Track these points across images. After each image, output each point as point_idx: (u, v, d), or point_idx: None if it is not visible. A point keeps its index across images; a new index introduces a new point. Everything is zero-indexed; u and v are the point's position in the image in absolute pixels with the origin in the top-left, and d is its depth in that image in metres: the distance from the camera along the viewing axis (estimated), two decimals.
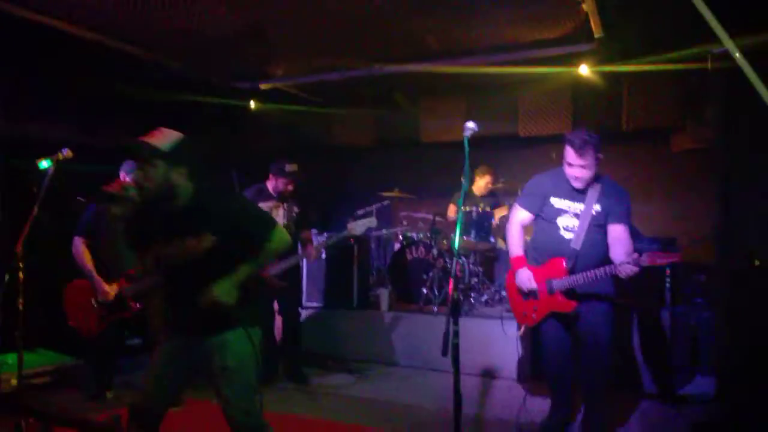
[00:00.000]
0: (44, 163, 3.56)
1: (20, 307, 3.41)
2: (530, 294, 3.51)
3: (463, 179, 2.63)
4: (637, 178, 6.40)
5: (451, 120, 7.06)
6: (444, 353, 2.40)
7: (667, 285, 4.67)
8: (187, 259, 2.49)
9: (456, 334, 2.45)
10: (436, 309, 5.55)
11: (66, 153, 3.63)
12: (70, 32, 4.68)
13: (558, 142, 7.01)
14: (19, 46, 4.71)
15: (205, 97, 6.18)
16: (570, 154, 3.35)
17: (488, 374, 4.93)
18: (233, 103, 6.69)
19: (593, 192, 3.43)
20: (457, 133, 7.54)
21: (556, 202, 3.51)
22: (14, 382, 4.19)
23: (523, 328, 3.69)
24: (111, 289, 4.11)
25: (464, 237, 5.55)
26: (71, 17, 4.56)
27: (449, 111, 7.10)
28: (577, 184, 3.42)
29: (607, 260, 3.35)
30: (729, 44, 1.81)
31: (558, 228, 3.50)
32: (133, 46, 5.19)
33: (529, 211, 3.63)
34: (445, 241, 5.92)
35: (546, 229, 3.57)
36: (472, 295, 5.70)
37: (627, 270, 3.15)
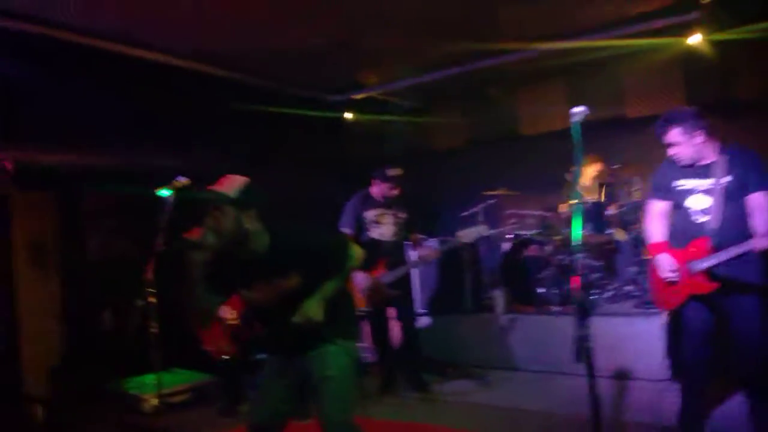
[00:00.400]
0: (164, 192, 3.76)
1: (154, 330, 3.61)
2: (672, 278, 3.30)
3: (573, 169, 2.46)
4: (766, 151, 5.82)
5: (551, 109, 6.79)
6: (578, 359, 2.24)
7: None
8: (275, 300, 2.58)
9: (587, 337, 2.29)
10: (555, 309, 5.32)
11: (183, 181, 3.80)
12: (171, 64, 4.95)
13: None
14: (131, 82, 5.03)
15: (303, 111, 6.32)
16: (665, 137, 3.25)
17: (621, 375, 4.61)
18: (330, 116, 6.79)
19: (720, 164, 3.21)
20: (559, 121, 7.26)
21: (681, 183, 3.34)
22: (154, 401, 4.45)
23: (667, 316, 3.56)
24: (231, 313, 4.20)
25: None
26: (173, 51, 4.84)
27: (549, 100, 6.83)
28: (682, 162, 3.27)
29: (750, 236, 3.07)
30: None
31: (690, 212, 3.31)
32: (233, 71, 5.40)
33: (661, 199, 3.46)
34: (558, 237, 5.65)
35: (680, 216, 3.39)
36: (595, 291, 5.40)
37: (763, 243, 2.95)
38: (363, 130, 7.28)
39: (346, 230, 4.71)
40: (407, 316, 4.91)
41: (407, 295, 4.95)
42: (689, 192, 3.30)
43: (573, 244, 2.41)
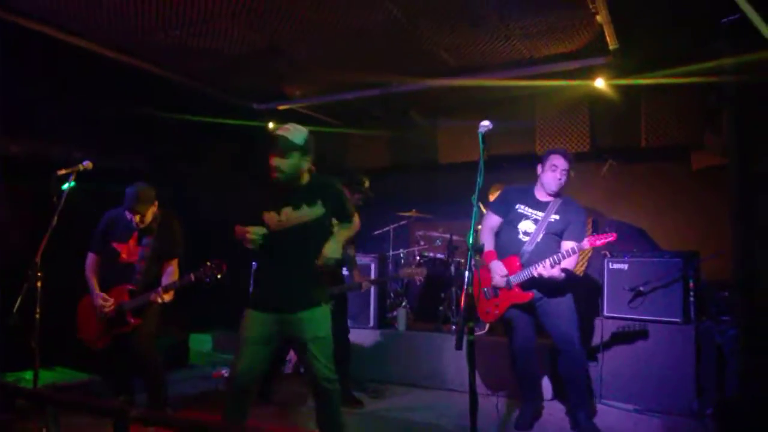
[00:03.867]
0: (66, 185, 3.64)
1: (37, 316, 3.44)
2: (501, 283, 3.86)
3: (478, 177, 2.64)
4: (659, 195, 6.31)
5: (467, 141, 7.07)
6: (458, 347, 2.38)
7: (692, 300, 4.56)
8: (297, 225, 2.96)
9: (471, 330, 2.42)
10: (454, 327, 5.47)
11: (86, 164, 3.73)
12: (91, 51, 4.78)
13: (576, 160, 6.93)
14: (40, 65, 4.82)
15: (224, 119, 6.26)
16: (558, 159, 3.92)
17: (508, 394, 4.80)
18: (253, 125, 6.76)
19: (554, 204, 3.90)
20: (473, 153, 7.46)
21: (522, 207, 3.96)
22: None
23: (486, 327, 4.15)
24: (107, 303, 3.99)
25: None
26: (94, 37, 4.68)
27: (465, 133, 7.11)
28: (553, 187, 3.87)
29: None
30: None
31: (517, 232, 3.94)
32: (153, 66, 5.28)
33: (497, 214, 4.07)
34: (462, 260, 5.85)
35: (508, 232, 3.99)
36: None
37: (544, 272, 3.61)
38: None
39: None
40: (341, 333, 4.60)
41: (342, 311, 4.66)
42: (524, 216, 3.93)
43: (469, 244, 2.57)
